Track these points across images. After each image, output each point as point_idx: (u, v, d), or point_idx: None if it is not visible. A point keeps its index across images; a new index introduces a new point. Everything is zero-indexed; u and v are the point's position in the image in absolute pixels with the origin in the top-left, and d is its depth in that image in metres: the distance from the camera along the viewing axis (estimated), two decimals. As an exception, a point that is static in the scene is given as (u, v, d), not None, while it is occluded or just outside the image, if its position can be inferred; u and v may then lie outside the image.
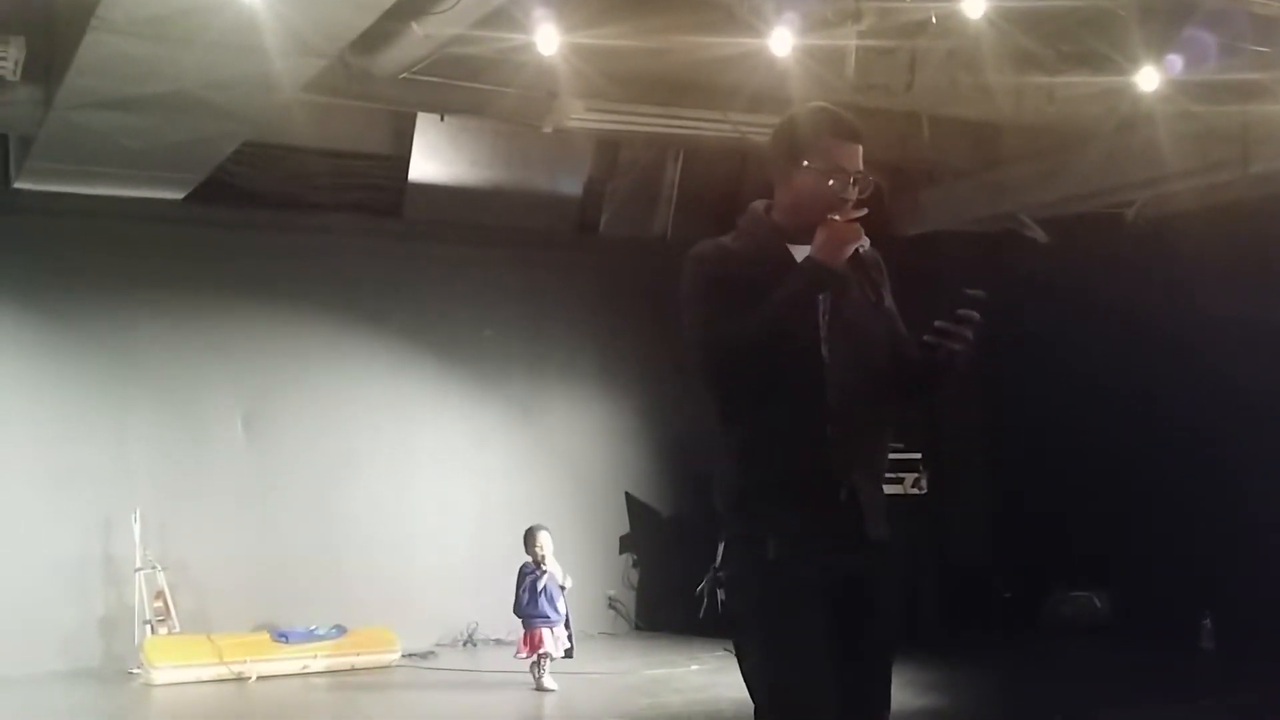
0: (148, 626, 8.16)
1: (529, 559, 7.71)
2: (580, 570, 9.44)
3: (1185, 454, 8.59)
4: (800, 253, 2.99)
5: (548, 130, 8.00)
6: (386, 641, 8.51)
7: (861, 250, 3.00)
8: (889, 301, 3.15)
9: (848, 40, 5.79)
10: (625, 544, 10.07)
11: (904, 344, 3.10)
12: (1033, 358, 9.23)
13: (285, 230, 9.03)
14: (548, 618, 7.55)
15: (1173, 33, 6.07)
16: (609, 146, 9.78)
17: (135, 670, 8.02)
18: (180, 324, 8.77)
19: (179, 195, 8.45)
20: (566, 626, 7.68)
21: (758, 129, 7.92)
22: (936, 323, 2.96)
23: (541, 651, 7.51)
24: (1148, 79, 6.39)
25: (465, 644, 9.20)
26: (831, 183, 3.01)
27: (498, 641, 9.21)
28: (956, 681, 7.58)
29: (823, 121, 3.10)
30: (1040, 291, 9.03)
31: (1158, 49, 6.19)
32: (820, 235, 2.95)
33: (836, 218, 2.97)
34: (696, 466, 10.15)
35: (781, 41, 5.82)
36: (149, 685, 7.79)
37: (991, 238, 9.44)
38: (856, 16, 5.56)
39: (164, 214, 8.53)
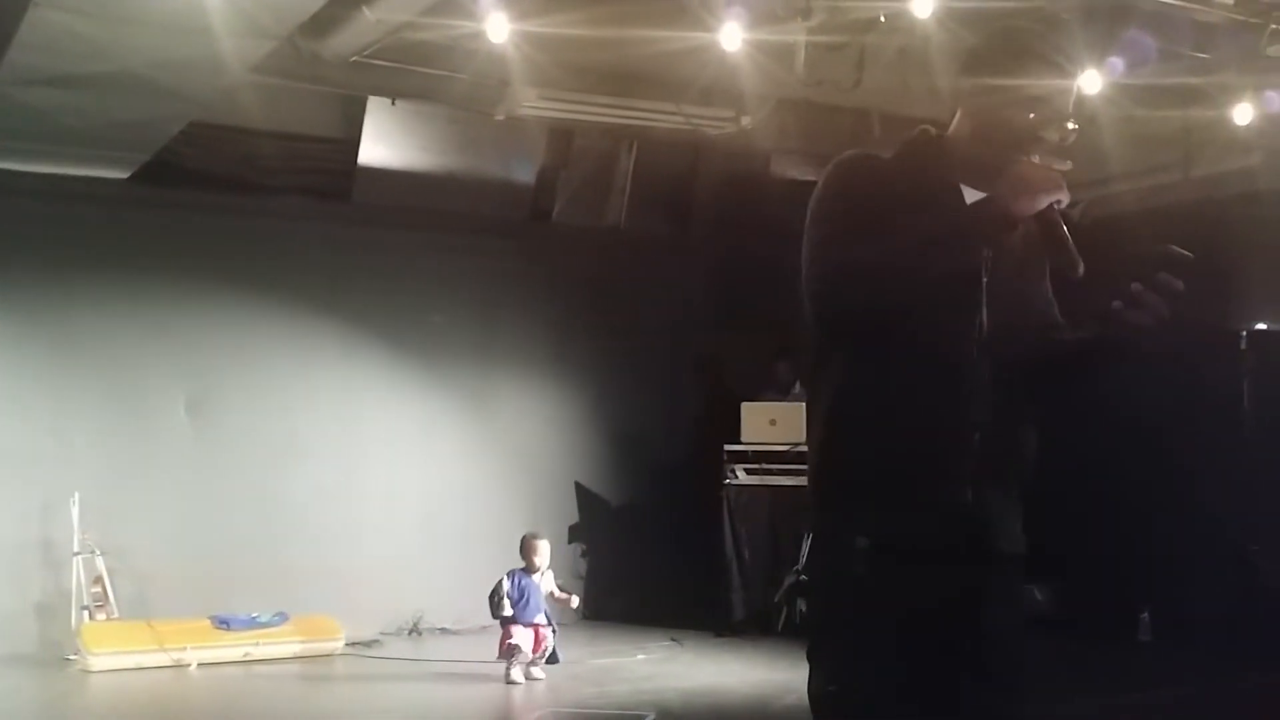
0: (85, 612, 8.06)
1: (520, 572, 7.56)
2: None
3: (1126, 450, 8.70)
4: (972, 196, 2.44)
5: (500, 117, 7.99)
6: (330, 630, 8.47)
7: (1058, 206, 2.39)
8: (1081, 273, 2.52)
9: (797, 36, 5.82)
10: (574, 533, 10.08)
11: (1058, 326, 2.61)
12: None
13: (232, 212, 8.94)
14: (532, 622, 7.47)
15: (1115, 37, 6.14)
16: (562, 135, 9.76)
17: (72, 656, 7.93)
18: (123, 305, 8.67)
19: (123, 175, 8.35)
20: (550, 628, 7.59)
21: (710, 122, 7.96)
22: (1134, 285, 2.39)
23: (511, 642, 7.42)
24: (1090, 82, 6.47)
25: (410, 633, 9.17)
26: (1032, 115, 2.46)
27: (443, 630, 9.23)
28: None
29: (1032, 44, 2.53)
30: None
31: (1100, 52, 6.27)
32: (1012, 176, 2.37)
33: (1035, 158, 2.44)
34: (646, 457, 10.21)
35: (731, 36, 5.85)
36: (86, 672, 7.70)
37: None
38: (806, 13, 5.59)
39: (108, 194, 8.43)
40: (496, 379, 9.97)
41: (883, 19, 5.85)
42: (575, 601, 7.87)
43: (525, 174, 10.10)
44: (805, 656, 2.58)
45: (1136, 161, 7.63)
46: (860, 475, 2.48)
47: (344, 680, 8.04)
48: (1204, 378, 8.11)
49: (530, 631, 7.48)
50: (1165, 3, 5.64)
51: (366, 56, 7.07)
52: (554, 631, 7.60)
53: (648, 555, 9.67)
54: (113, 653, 7.77)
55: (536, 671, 7.52)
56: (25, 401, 8.37)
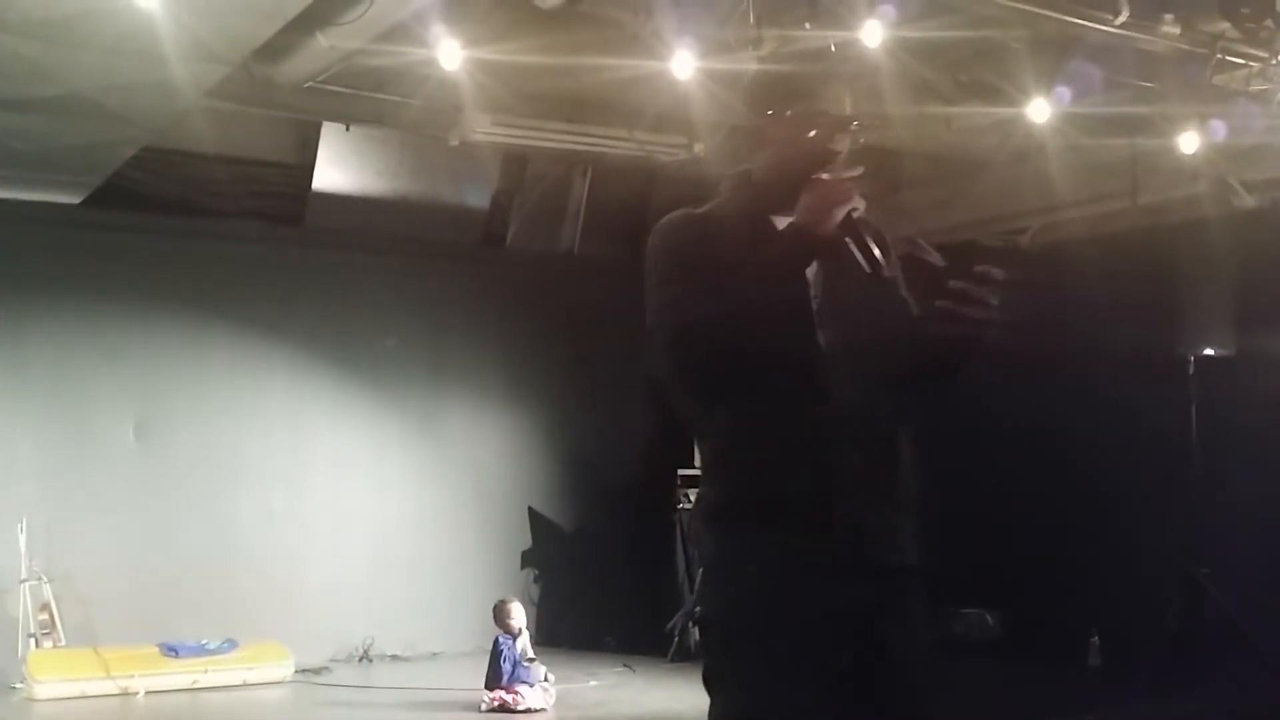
0: (32, 639, 7.96)
1: (500, 632, 7.55)
2: (481, 584, 9.44)
3: (1074, 475, 8.78)
4: (785, 222, 2.52)
5: (454, 143, 7.99)
6: (279, 656, 8.39)
7: (855, 215, 2.45)
8: (896, 275, 2.63)
9: (748, 65, 5.86)
10: (527, 559, 10.06)
11: (916, 324, 2.57)
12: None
13: (184, 236, 8.89)
14: (525, 682, 7.44)
15: (1062, 66, 6.24)
16: (516, 160, 9.78)
17: (18, 684, 7.83)
18: (72, 329, 8.58)
19: (75, 199, 8.28)
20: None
21: (663, 149, 8.00)
22: (951, 283, 2.43)
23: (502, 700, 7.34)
24: (1039, 110, 6.56)
25: (360, 659, 9.10)
26: (814, 132, 2.52)
27: (394, 657, 9.16)
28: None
29: (802, 60, 2.71)
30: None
31: (1048, 82, 6.37)
32: (805, 198, 2.45)
33: (825, 176, 2.49)
34: (600, 482, 10.21)
35: (683, 65, 5.88)
36: (32, 700, 7.59)
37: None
38: (757, 42, 5.63)
39: (59, 218, 8.35)
40: (448, 403, 9.94)
41: (833, 48, 5.90)
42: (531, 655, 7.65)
43: (479, 199, 10.11)
44: (702, 684, 2.60)
45: (1084, 189, 7.73)
46: (738, 507, 2.53)
47: (293, 707, 7.98)
48: (1152, 403, 8.20)
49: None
50: (1112, 33, 5.72)
51: (320, 82, 7.06)
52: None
53: (600, 580, 9.65)
54: (59, 680, 7.67)
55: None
56: (-29, 426, 8.27)
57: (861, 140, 2.60)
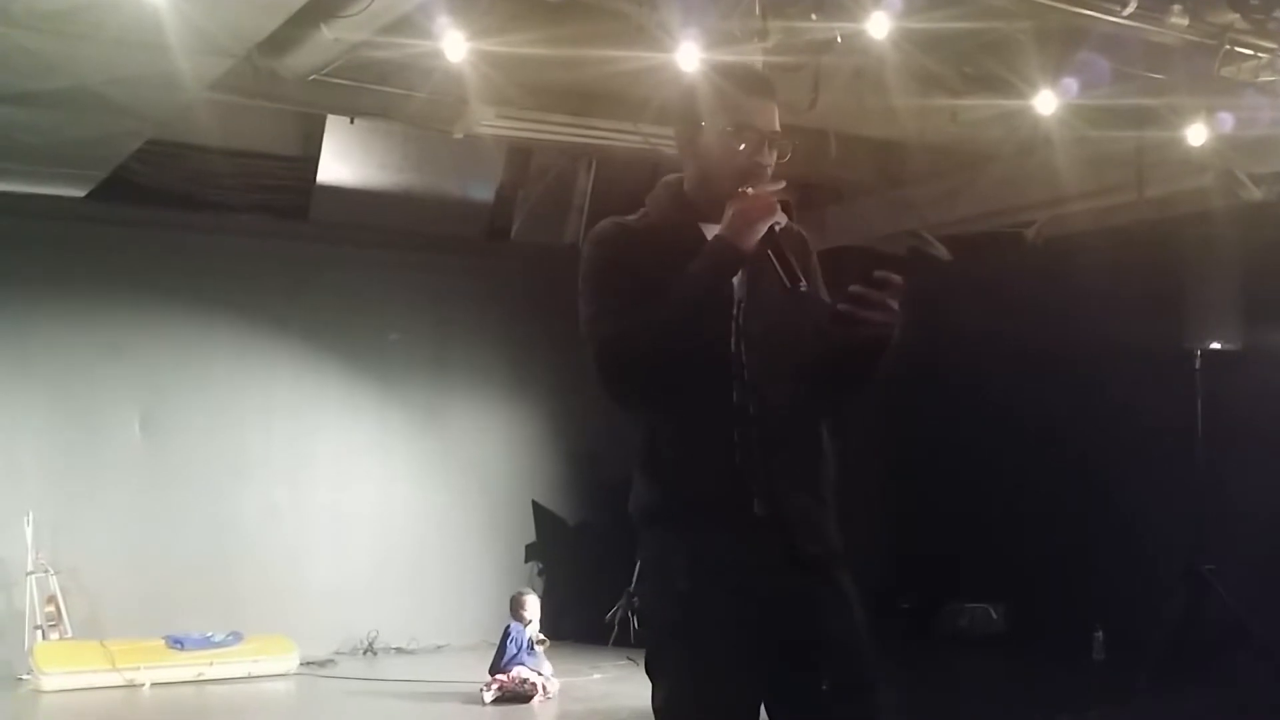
0: (39, 632, 7.99)
1: (514, 622, 7.74)
2: (485, 578, 9.45)
3: (1079, 470, 8.78)
4: (714, 231, 2.62)
5: (459, 135, 7.97)
6: (284, 649, 8.41)
7: (778, 228, 2.60)
8: (816, 286, 2.76)
9: (753, 57, 5.84)
10: (531, 552, 10.06)
11: (827, 329, 2.68)
12: (931, 372, 9.37)
13: (189, 230, 8.90)
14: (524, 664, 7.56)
15: (1069, 58, 6.21)
16: (521, 153, 9.77)
17: (25, 676, 7.86)
18: (78, 323, 8.60)
19: (80, 193, 8.28)
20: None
21: (668, 141, 7.97)
22: (851, 288, 2.55)
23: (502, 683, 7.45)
24: (1045, 102, 6.54)
25: (365, 652, 9.12)
26: (742, 146, 2.63)
27: (398, 650, 9.18)
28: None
29: (727, 75, 2.73)
30: (941, 308, 9.18)
31: (1054, 73, 6.34)
32: (729, 211, 2.57)
33: (749, 190, 2.60)
34: (604, 476, 10.18)
35: (688, 56, 5.87)
36: (39, 692, 7.63)
37: (894, 255, 9.58)
38: (762, 34, 5.61)
39: (64, 211, 8.36)
40: (453, 397, 9.94)
41: (839, 40, 5.88)
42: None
43: (484, 192, 10.10)
44: (644, 671, 2.73)
45: (1090, 182, 7.70)
46: (666, 502, 2.68)
47: (299, 700, 8.00)
48: (1158, 397, 8.19)
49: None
50: (1119, 24, 5.70)
51: (325, 75, 7.04)
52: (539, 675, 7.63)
53: (604, 574, 9.64)
54: (66, 672, 7.70)
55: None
56: (-23, 419, 8.28)
57: (787, 156, 2.69)
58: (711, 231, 2.63)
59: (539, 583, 9.95)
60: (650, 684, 2.70)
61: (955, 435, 9.58)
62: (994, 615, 9.46)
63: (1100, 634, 8.42)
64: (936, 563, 9.62)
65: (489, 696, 7.37)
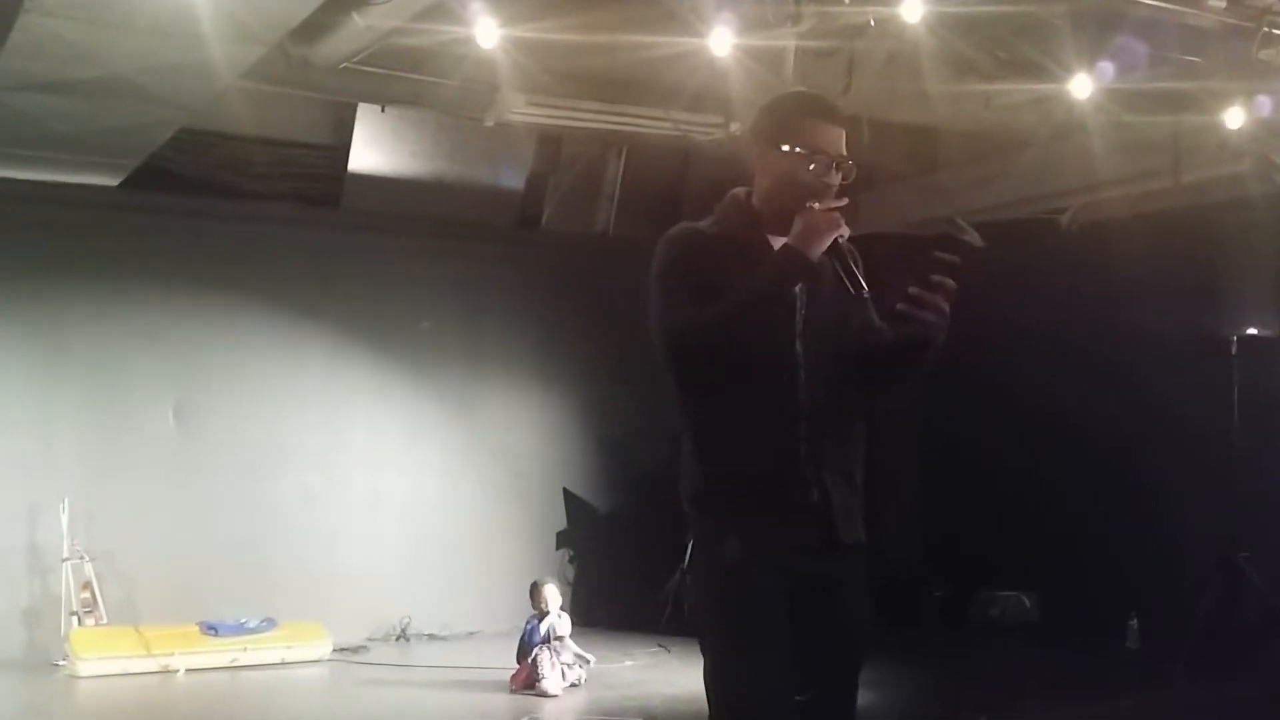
0: (74, 618, 8.06)
1: (534, 612, 7.60)
2: (516, 565, 9.46)
3: (1113, 457, 8.72)
4: (779, 243, 2.88)
5: (490, 123, 7.97)
6: (317, 635, 8.45)
7: (841, 240, 2.87)
8: (866, 293, 2.98)
9: (787, 42, 5.82)
10: (562, 540, 10.07)
11: (877, 333, 3.00)
12: (965, 359, 9.30)
13: (221, 218, 8.94)
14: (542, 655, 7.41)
15: (1104, 42, 6.15)
16: (552, 141, 9.76)
17: (60, 662, 7.93)
18: (112, 311, 8.66)
19: (113, 181, 8.33)
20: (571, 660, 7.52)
21: (699, 128, 7.96)
22: (910, 289, 2.82)
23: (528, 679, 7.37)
24: (1081, 87, 6.48)
25: (398, 639, 9.15)
26: (812, 166, 2.91)
27: (430, 637, 9.21)
28: (885, 679, 7.64)
29: (803, 104, 3.03)
30: (974, 294, 9.11)
31: (1090, 58, 6.28)
32: (798, 223, 2.84)
33: (816, 205, 2.86)
34: (635, 464, 10.20)
35: (721, 41, 5.84)
36: (74, 677, 7.69)
37: (927, 240, 9.52)
38: (796, 18, 5.59)
39: (98, 200, 8.40)
40: (484, 385, 9.96)
41: (873, 24, 5.85)
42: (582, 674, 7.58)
43: (514, 180, 10.10)
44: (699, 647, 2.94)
45: (1126, 167, 7.63)
46: (721, 488, 2.90)
47: (331, 686, 8.02)
48: (1194, 383, 8.12)
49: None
50: (1155, 7, 5.64)
51: (356, 63, 7.05)
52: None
53: (635, 561, 9.65)
54: (101, 658, 7.75)
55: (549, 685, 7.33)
56: (14, 406, 8.35)
57: (851, 178, 2.95)
58: (777, 242, 2.88)
59: (570, 570, 9.97)
60: (703, 658, 2.91)
61: (986, 423, 9.53)
62: (1027, 604, 9.41)
63: (1135, 622, 8.37)
64: (969, 551, 9.58)
65: (511, 689, 7.41)
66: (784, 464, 2.86)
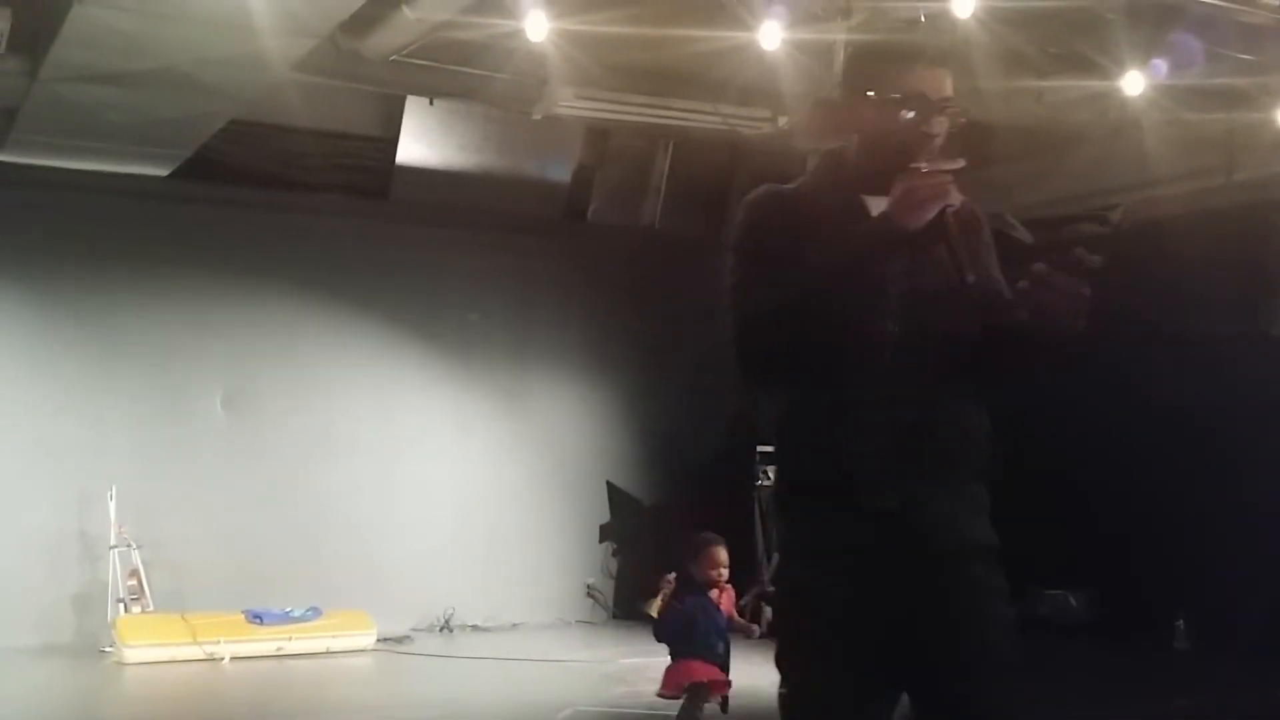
0: (121, 605, 8.14)
1: (690, 575, 5.58)
2: (560, 557, 9.48)
3: (1161, 456, 8.62)
4: (878, 204, 2.36)
5: (537, 116, 7.98)
6: (362, 625, 8.50)
7: (950, 211, 2.29)
8: (988, 264, 2.49)
9: (837, 35, 5.78)
10: (605, 533, 10.08)
11: (999, 323, 2.45)
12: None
13: (271, 210, 9.01)
14: (713, 649, 5.52)
15: (1159, 38, 6.08)
16: (599, 134, 9.76)
17: (107, 648, 8.02)
18: (162, 301, 8.75)
19: (164, 171, 8.41)
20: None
21: (747, 122, 7.94)
22: (1035, 265, 2.29)
23: (695, 683, 5.44)
24: (1134, 83, 6.40)
25: (442, 629, 9.20)
26: (910, 114, 2.37)
27: (474, 627, 9.24)
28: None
29: (895, 42, 2.59)
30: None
31: (1144, 54, 6.21)
32: (896, 189, 2.31)
33: (923, 166, 2.32)
34: (678, 457, 10.18)
35: (771, 35, 5.81)
36: (121, 664, 7.78)
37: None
38: (846, 12, 5.55)
39: (149, 190, 8.50)
40: (531, 377, 9.98)
41: (923, 18, 5.80)
42: (756, 632, 5.82)
43: (561, 173, 10.11)
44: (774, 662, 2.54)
45: (1179, 165, 7.54)
46: (810, 491, 2.49)
47: (375, 675, 8.07)
48: (1246, 380, 8.02)
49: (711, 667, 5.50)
50: (1210, 4, 5.57)
51: (406, 55, 7.08)
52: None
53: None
54: (147, 645, 7.83)
55: None
56: (65, 394, 8.46)
57: (961, 123, 2.42)
58: (876, 204, 2.38)
59: (613, 563, 9.98)
60: (779, 674, 2.52)
61: (1036, 420, 9.43)
62: (1074, 603, 9.33)
63: (1182, 622, 8.28)
64: (1015, 549, 9.50)
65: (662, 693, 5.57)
66: (865, 466, 2.41)
